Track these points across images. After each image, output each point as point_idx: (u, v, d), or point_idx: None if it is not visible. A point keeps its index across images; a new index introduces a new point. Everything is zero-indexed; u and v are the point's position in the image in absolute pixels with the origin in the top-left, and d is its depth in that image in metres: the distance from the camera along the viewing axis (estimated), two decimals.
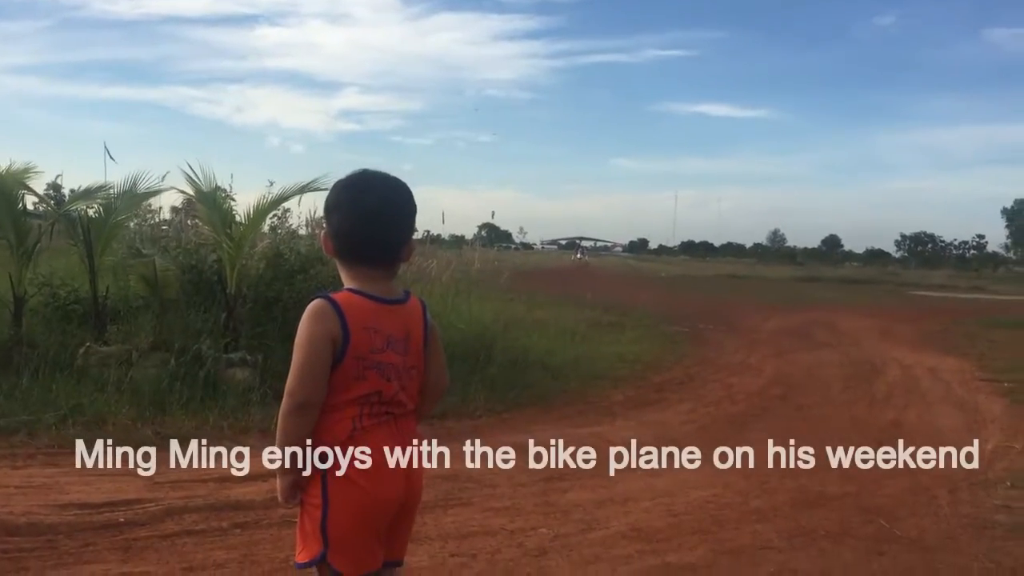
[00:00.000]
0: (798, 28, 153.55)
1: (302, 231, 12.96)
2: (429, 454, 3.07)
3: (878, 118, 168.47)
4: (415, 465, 2.88)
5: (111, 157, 10.77)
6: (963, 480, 7.45)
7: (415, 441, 2.91)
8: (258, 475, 6.42)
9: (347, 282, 2.86)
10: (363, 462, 2.75)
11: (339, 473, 2.73)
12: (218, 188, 10.08)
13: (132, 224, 11.75)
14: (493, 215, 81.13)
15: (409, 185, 2.93)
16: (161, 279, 9.84)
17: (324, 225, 2.87)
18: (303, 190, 9.86)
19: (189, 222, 12.26)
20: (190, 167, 9.50)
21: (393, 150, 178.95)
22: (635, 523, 5.88)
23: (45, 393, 7.87)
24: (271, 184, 10.04)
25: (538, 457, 5.34)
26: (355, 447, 2.77)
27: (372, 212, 2.82)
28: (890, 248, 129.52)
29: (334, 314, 2.73)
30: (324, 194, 3.02)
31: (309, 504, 2.77)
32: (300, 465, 2.73)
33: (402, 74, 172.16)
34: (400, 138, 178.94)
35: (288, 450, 2.72)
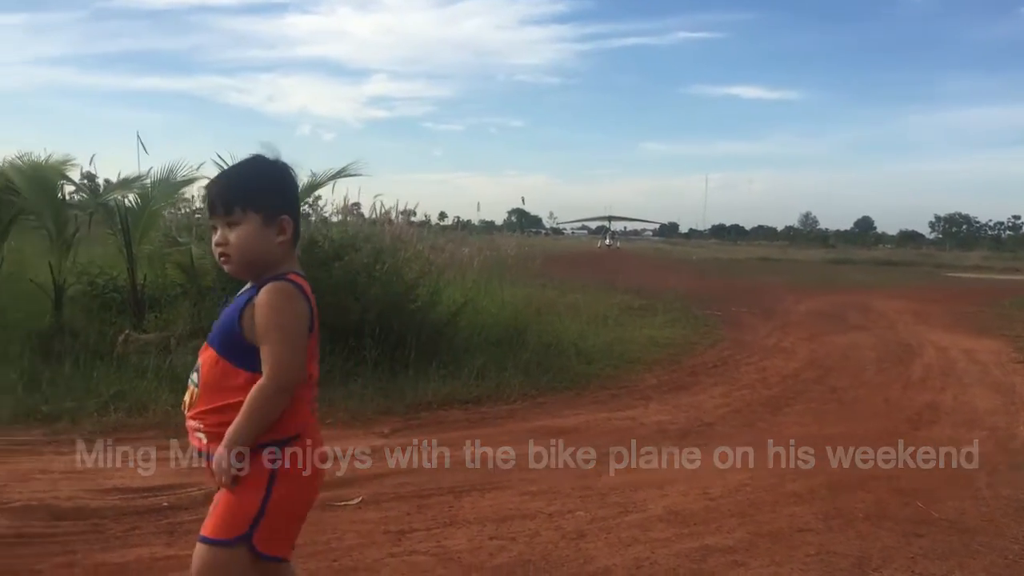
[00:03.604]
0: (828, 6, 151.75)
1: (334, 219, 13.02)
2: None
3: (911, 97, 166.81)
4: None
5: (143, 147, 10.85)
6: (1002, 462, 7.41)
7: None
8: None
9: (291, 266, 2.90)
10: (317, 454, 2.90)
11: (297, 464, 2.82)
12: None
13: (167, 213, 11.88)
14: (523, 200, 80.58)
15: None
16: (197, 267, 9.95)
17: (280, 209, 2.88)
18: (336, 176, 9.93)
19: None
20: (219, 156, 9.59)
21: (424, 136, 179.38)
22: (672, 506, 5.89)
23: (86, 380, 8.00)
24: (313, 174, 10.11)
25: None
26: (309, 437, 2.89)
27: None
28: (924, 230, 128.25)
29: (303, 295, 2.80)
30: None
31: (252, 486, 2.79)
32: (275, 455, 2.79)
33: (432, 60, 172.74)
34: (431, 124, 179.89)
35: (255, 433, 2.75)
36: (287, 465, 2.79)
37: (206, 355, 2.87)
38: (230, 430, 2.74)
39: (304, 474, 2.83)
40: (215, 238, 2.88)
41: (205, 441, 2.85)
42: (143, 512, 5.32)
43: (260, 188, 2.88)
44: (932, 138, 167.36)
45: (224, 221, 2.85)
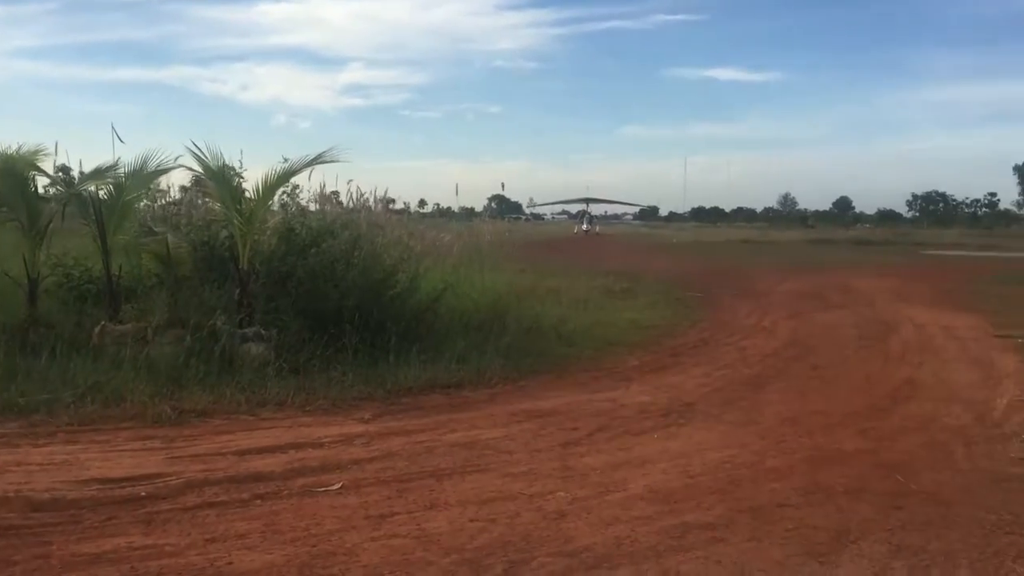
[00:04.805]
0: None
1: (312, 206, 12.96)
2: None
3: (887, 77, 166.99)
4: None
5: (119, 138, 10.76)
6: (979, 435, 7.46)
7: None
8: (277, 447, 6.54)
9: None
10: None
11: None
12: (226, 165, 10.06)
13: (143, 203, 11.78)
14: (503, 186, 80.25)
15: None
16: (174, 256, 9.88)
17: None
18: (311, 163, 9.86)
19: (200, 200, 12.27)
20: (195, 145, 9.49)
21: (401, 123, 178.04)
22: (652, 484, 5.90)
23: (63, 372, 7.93)
24: (285, 160, 10.01)
25: None
26: None
27: None
28: (901, 208, 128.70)
29: None
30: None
31: None
32: None
33: (408, 47, 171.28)
34: (408, 111, 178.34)
35: None
36: None
37: None
38: None
39: None
40: None
41: None
42: (121, 502, 5.28)
43: None
44: (908, 117, 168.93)
45: None
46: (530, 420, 7.70)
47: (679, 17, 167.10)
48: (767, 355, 11.71)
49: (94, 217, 9.39)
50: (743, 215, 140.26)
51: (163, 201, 13.38)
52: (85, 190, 9.93)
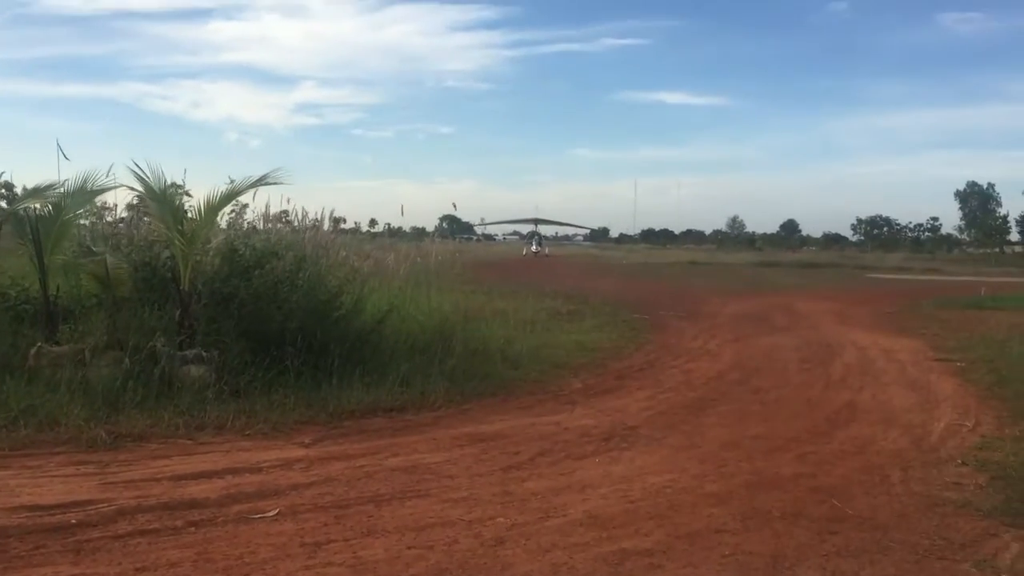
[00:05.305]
0: (753, 14, 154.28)
1: (261, 226, 12.83)
2: None
3: (832, 103, 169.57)
4: None
5: (64, 155, 10.56)
6: (915, 459, 7.58)
7: None
8: (213, 472, 6.45)
9: None
10: None
11: None
12: (174, 184, 9.94)
13: (87, 222, 11.58)
14: (455, 206, 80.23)
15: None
16: (113, 277, 9.69)
17: None
18: (255, 184, 9.78)
19: (143, 220, 12.09)
20: (136, 165, 9.36)
21: (353, 143, 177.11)
22: (592, 510, 5.91)
23: None
24: (231, 181, 9.90)
25: None
26: None
27: None
28: (847, 232, 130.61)
29: None
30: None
31: None
32: None
33: (360, 67, 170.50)
34: (360, 131, 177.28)
35: None
36: None
37: None
38: None
39: None
40: None
41: None
42: (50, 530, 5.16)
43: None
44: (854, 143, 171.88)
45: None
46: (473, 444, 7.68)
47: (628, 41, 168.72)
48: (711, 378, 11.81)
49: (31, 236, 9.22)
50: (692, 237, 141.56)
51: (109, 218, 13.18)
52: (23, 208, 9.75)
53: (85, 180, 9.77)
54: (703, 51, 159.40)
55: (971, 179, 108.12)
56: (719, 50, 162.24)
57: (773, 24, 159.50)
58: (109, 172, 9.83)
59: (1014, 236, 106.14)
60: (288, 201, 12.95)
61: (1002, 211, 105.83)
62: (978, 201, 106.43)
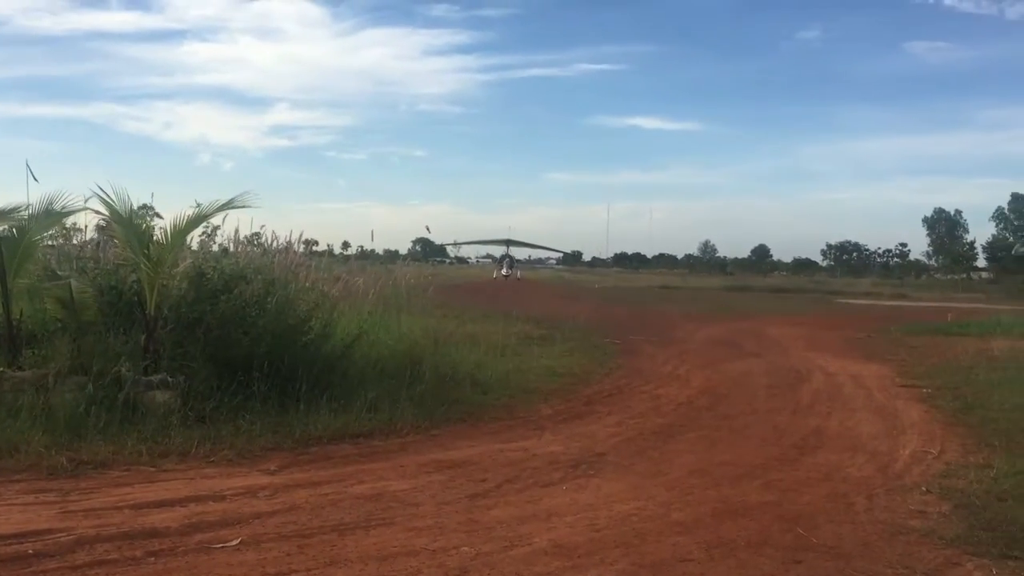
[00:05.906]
0: (726, 42, 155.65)
1: (231, 248, 12.74)
2: None
3: (803, 130, 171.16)
4: None
5: (34, 177, 10.45)
6: (880, 486, 7.61)
7: None
8: (176, 500, 6.36)
9: None
10: None
11: None
12: (144, 206, 9.88)
13: (54, 245, 11.47)
14: (429, 229, 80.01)
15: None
16: (78, 301, 9.59)
17: None
18: (223, 208, 9.73)
19: (110, 243, 11.97)
20: (100, 188, 9.29)
21: (327, 165, 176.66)
22: (557, 539, 5.88)
23: None
24: (198, 205, 9.85)
25: None
26: None
27: None
28: (817, 257, 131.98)
29: None
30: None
31: None
32: None
33: (334, 89, 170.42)
34: (334, 153, 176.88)
35: None
36: None
37: None
38: None
39: None
40: None
41: None
42: (6, 561, 5.06)
43: None
44: (824, 169, 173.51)
45: None
46: (440, 471, 7.64)
47: (602, 67, 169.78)
48: (680, 404, 11.83)
49: None
50: (665, 261, 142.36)
51: (76, 241, 13.05)
52: None
53: (51, 202, 9.68)
54: (677, 77, 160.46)
55: (939, 206, 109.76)
56: (693, 76, 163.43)
57: (746, 51, 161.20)
58: (77, 194, 9.76)
59: (981, 262, 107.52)
60: (260, 225, 12.91)
61: (969, 237, 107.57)
62: (946, 227, 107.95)
